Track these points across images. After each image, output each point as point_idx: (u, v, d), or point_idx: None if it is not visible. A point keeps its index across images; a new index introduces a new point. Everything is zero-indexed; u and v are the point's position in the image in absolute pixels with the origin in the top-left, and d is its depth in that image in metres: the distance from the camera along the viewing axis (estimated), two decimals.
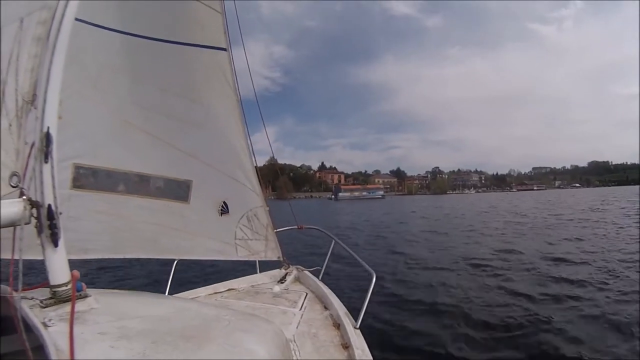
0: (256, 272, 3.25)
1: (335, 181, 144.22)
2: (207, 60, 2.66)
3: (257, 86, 3.51)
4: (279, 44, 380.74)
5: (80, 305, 1.17)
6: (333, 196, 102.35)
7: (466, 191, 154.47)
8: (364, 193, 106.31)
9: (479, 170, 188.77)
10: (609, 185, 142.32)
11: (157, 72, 2.58)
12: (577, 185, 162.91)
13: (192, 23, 2.58)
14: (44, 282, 1.24)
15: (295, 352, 1.76)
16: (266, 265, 3.29)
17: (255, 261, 3.24)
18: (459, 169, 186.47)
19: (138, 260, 2.86)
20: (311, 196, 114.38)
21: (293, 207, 4.18)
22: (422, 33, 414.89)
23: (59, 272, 1.21)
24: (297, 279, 3.13)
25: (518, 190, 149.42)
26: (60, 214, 1.20)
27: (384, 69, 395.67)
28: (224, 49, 2.67)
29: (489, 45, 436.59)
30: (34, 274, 1.58)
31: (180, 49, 2.58)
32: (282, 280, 3.04)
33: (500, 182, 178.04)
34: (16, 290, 1.06)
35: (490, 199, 63.99)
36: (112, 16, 2.36)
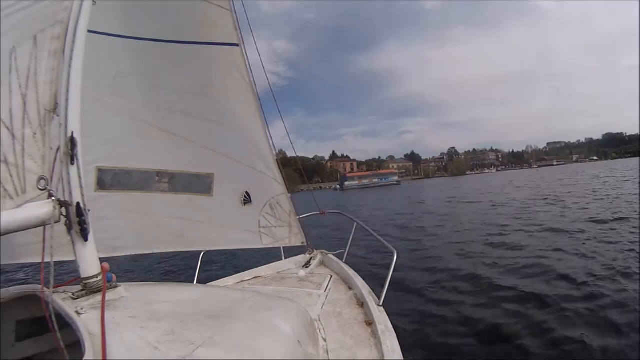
0: (281, 259, 3.31)
1: (348, 169, 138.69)
2: (221, 56, 2.71)
3: (265, 82, 3.56)
4: (280, 39, 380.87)
5: (111, 295, 1.23)
6: (338, 186, 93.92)
7: (486, 170, 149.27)
8: (375, 180, 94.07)
9: (494, 148, 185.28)
10: (626, 157, 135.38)
11: (172, 72, 2.65)
12: (595, 158, 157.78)
13: (203, 22, 2.63)
14: (75, 278, 1.30)
15: (320, 331, 1.81)
16: (291, 252, 3.35)
17: (280, 248, 3.30)
18: (474, 149, 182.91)
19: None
20: (320, 187, 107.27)
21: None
22: (422, 16, 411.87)
23: (90, 265, 1.27)
24: (321, 263, 3.18)
25: (539, 166, 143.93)
26: (89, 210, 1.26)
27: (388, 54, 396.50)
28: (236, 45, 2.71)
29: (491, 23, 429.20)
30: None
31: (193, 48, 2.63)
32: (307, 264, 3.09)
33: (518, 159, 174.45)
34: (47, 287, 1.13)
35: (528, 178, 48.50)
36: (123, 24, 2.43)
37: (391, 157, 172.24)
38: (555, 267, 5.94)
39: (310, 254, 3.29)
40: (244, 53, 2.74)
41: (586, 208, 12.98)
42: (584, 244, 7.51)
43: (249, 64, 2.78)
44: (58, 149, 1.28)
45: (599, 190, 19.88)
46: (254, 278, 2.95)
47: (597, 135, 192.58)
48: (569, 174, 49.47)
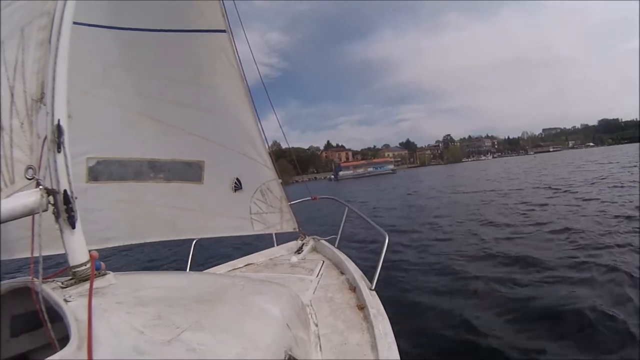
0: (273, 246, 3.34)
1: (344, 159, 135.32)
2: (209, 43, 2.69)
3: (256, 73, 3.55)
4: (273, 30, 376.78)
5: (99, 282, 1.24)
6: (333, 176, 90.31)
7: (482, 157, 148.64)
8: (370, 169, 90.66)
9: (490, 135, 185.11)
10: (622, 143, 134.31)
11: (161, 61, 2.63)
12: (591, 144, 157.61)
13: (190, 9, 2.61)
14: (64, 268, 1.30)
15: (311, 316, 1.81)
16: (283, 239, 3.37)
17: (272, 235, 3.32)
18: (469, 136, 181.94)
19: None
20: (315, 178, 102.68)
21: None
22: (416, 3, 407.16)
23: (78, 253, 1.27)
24: (313, 249, 3.20)
25: (536, 152, 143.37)
26: (76, 198, 1.26)
27: (382, 43, 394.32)
28: (224, 31, 2.69)
29: (484, 9, 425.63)
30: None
31: (181, 36, 2.62)
32: (299, 250, 3.11)
33: (514, 145, 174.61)
34: (37, 278, 1.14)
35: (527, 165, 44.97)
36: (110, 15, 2.41)
37: (387, 146, 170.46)
38: (597, 303, 3.86)
39: (302, 240, 3.31)
40: (232, 39, 2.72)
41: (603, 199, 10.77)
42: (624, 257, 5.29)
43: (237, 50, 2.77)
44: (45, 137, 1.29)
45: (608, 177, 17.85)
46: (246, 265, 2.97)
47: (593, 121, 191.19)
48: (567, 159, 47.13)
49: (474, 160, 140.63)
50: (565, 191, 14.20)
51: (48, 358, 0.83)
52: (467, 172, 43.06)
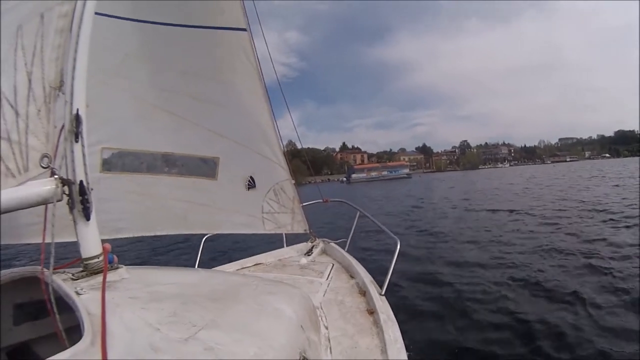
0: (283, 247, 3.32)
1: (359, 161, 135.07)
2: (228, 41, 2.68)
3: (274, 72, 3.55)
4: (292, 29, 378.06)
5: (112, 276, 1.22)
6: (345, 179, 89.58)
7: (499, 165, 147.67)
8: (384, 172, 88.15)
9: (506, 142, 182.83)
10: (638, 155, 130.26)
11: (179, 56, 2.63)
12: (607, 155, 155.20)
13: (211, 7, 2.60)
14: (75, 259, 1.28)
15: (321, 318, 1.81)
16: (293, 240, 3.36)
17: (282, 236, 3.31)
18: (486, 143, 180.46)
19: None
20: (328, 179, 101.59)
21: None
22: (434, 7, 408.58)
23: (91, 245, 1.26)
24: (323, 251, 3.18)
25: (553, 162, 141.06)
26: (92, 189, 1.25)
27: (400, 46, 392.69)
28: (244, 29, 2.68)
29: (503, 16, 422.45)
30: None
31: (201, 32, 2.61)
32: (308, 252, 3.10)
33: (530, 154, 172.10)
34: (48, 269, 1.12)
35: (550, 175, 39.45)
36: (130, 7, 2.42)
37: (403, 150, 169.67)
38: None
39: (312, 242, 3.29)
40: (252, 38, 2.72)
41: None
42: None
43: (255, 49, 2.76)
44: (62, 126, 1.27)
45: None
46: (254, 265, 2.98)
47: (609, 132, 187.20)
48: (591, 171, 42.76)
49: (490, 167, 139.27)
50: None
51: (61, 352, 0.81)
52: (490, 182, 36.31)
